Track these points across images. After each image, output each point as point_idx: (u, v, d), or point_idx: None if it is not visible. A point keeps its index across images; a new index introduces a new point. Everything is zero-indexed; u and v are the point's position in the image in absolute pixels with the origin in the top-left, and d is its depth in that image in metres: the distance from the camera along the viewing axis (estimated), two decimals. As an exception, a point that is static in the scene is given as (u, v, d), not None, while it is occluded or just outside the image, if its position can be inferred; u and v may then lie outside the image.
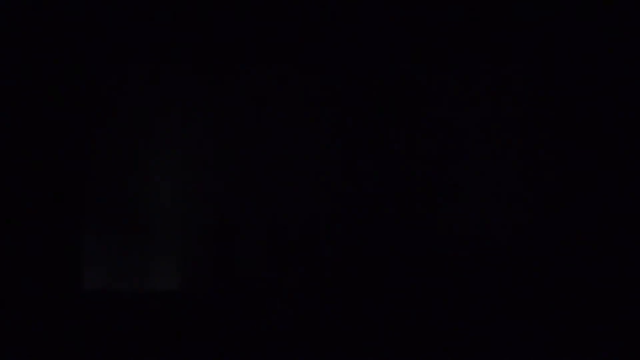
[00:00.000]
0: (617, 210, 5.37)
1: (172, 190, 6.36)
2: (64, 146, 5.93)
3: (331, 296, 4.48)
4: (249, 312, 4.66)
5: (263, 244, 6.07)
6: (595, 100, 5.41)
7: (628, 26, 5.67)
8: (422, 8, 5.25)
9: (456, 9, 5.10)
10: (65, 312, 4.57)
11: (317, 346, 3.40)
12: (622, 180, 5.51)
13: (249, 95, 6.84)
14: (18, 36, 5.76)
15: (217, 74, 6.54)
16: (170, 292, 6.36)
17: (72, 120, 5.94)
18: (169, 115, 6.83)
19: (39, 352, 2.70)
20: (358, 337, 3.46)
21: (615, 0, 5.32)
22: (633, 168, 5.09)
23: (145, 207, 6.15)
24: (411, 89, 6.38)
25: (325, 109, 6.41)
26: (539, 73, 5.37)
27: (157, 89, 6.48)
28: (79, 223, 5.64)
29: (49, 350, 2.72)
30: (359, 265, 4.98)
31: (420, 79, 6.55)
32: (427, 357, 3.28)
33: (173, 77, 6.45)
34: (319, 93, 6.54)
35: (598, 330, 3.22)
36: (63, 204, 5.59)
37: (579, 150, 5.20)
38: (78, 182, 5.58)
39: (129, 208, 6.05)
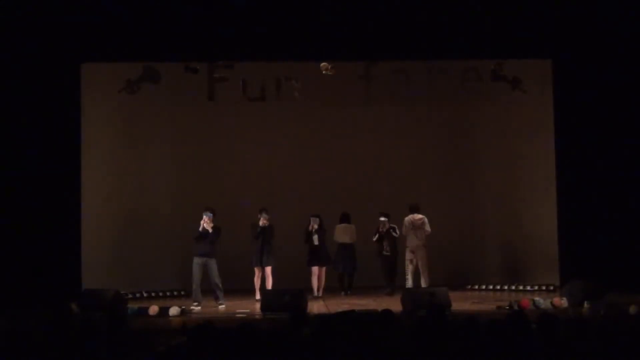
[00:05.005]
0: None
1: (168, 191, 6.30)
2: (61, 147, 5.90)
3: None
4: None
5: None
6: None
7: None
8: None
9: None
10: (64, 311, 4.57)
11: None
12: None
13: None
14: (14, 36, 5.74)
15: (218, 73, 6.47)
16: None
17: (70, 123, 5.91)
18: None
19: (39, 351, 2.71)
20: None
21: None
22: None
23: (144, 208, 6.11)
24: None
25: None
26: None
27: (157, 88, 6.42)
28: (79, 224, 5.61)
29: (49, 349, 2.73)
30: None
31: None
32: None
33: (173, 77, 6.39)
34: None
35: None
36: (62, 206, 5.57)
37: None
38: (77, 183, 5.56)
39: (128, 208, 6.02)
